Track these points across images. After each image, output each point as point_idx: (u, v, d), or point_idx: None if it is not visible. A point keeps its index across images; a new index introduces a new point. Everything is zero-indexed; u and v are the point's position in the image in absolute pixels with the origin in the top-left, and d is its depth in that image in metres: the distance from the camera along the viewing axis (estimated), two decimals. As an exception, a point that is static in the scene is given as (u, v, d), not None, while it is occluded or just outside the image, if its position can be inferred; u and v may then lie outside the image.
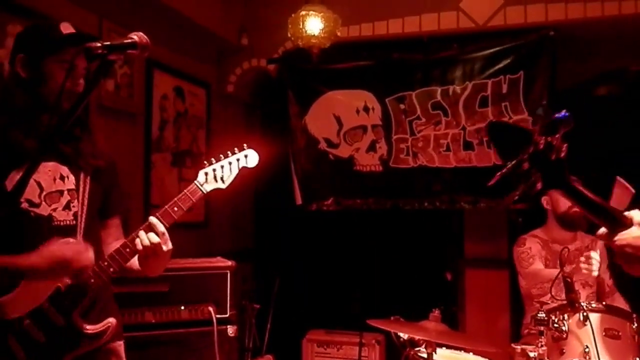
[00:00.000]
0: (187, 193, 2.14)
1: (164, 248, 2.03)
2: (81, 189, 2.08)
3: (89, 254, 1.94)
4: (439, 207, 4.68)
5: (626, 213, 1.54)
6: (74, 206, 2.06)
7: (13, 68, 2.02)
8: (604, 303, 2.91)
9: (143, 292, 3.31)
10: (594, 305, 2.83)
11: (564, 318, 2.79)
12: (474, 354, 3.09)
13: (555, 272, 3.07)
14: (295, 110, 5.04)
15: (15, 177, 1.93)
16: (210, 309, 3.51)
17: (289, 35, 4.21)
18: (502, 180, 1.58)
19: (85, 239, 2.04)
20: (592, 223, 3.63)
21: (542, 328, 2.78)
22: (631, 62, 4.77)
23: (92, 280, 1.99)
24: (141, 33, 1.71)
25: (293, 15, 4.13)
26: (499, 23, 4.44)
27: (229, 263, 3.66)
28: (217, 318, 3.49)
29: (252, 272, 5.26)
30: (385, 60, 4.79)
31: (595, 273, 3.11)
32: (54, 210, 2.01)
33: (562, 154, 1.50)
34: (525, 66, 4.42)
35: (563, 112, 1.47)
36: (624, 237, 1.50)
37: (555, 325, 2.78)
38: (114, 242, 2.22)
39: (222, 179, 2.19)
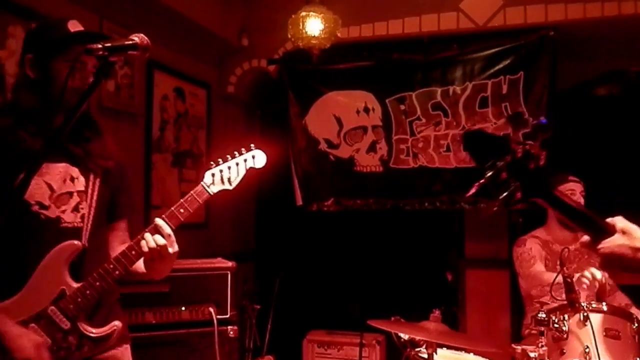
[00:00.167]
0: (194, 194, 2.11)
1: (170, 250, 2.00)
2: (90, 191, 2.07)
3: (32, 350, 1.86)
4: (439, 207, 4.69)
5: (609, 220, 1.50)
6: (82, 208, 2.04)
7: (22, 69, 2.01)
8: (604, 303, 2.90)
9: (143, 292, 3.31)
10: (594, 305, 2.82)
11: (564, 318, 2.79)
12: (475, 354, 3.09)
13: (550, 276, 3.06)
14: (295, 111, 5.04)
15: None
16: (211, 309, 3.51)
17: (289, 36, 4.21)
18: (480, 190, 1.56)
19: (90, 242, 2.02)
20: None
21: (542, 328, 2.78)
22: (631, 63, 4.78)
23: (98, 283, 1.97)
24: (142, 34, 1.72)
25: (293, 16, 4.14)
26: (498, 23, 4.45)
27: (230, 264, 3.66)
28: (217, 319, 3.50)
29: (253, 272, 5.26)
30: (386, 61, 4.79)
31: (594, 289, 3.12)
32: (63, 212, 1.99)
33: (542, 162, 1.48)
34: (525, 67, 4.43)
35: (541, 119, 1.46)
36: (607, 245, 1.46)
37: (556, 325, 2.78)
38: (120, 246, 2.20)
39: (229, 180, 2.16)
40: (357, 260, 5.13)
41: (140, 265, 2.09)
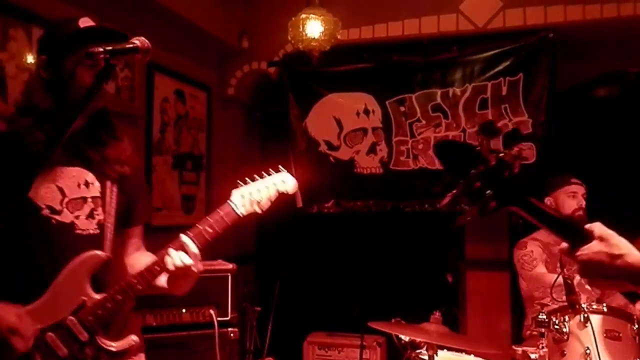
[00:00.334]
0: (222, 214, 2.03)
1: (194, 270, 1.96)
2: (107, 197, 2.02)
3: (22, 337, 1.81)
4: (440, 209, 4.69)
5: (587, 226, 1.46)
6: (97, 214, 2.00)
7: (37, 70, 1.98)
8: (604, 304, 2.91)
9: (144, 295, 3.31)
10: (594, 306, 2.83)
11: (564, 319, 2.79)
12: (475, 356, 3.09)
13: (552, 278, 3.06)
14: (295, 113, 5.05)
15: (39, 181, 1.90)
16: (212, 311, 3.52)
17: (289, 38, 4.22)
18: (454, 201, 1.54)
19: (112, 251, 1.99)
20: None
21: (543, 330, 2.78)
22: (630, 64, 4.78)
23: (119, 297, 1.93)
24: (143, 38, 1.71)
25: (293, 18, 4.14)
26: (498, 25, 4.45)
27: (230, 266, 3.66)
28: (218, 321, 3.50)
29: (254, 274, 5.26)
30: (385, 63, 4.80)
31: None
32: (77, 217, 1.95)
33: (516, 170, 1.44)
34: (525, 68, 4.43)
35: (512, 129, 1.44)
36: (585, 252, 1.42)
37: (556, 326, 2.78)
38: (135, 253, 2.18)
39: (258, 203, 2.07)
40: (357, 262, 5.13)
41: (161, 279, 2.03)
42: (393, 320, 3.08)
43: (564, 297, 2.90)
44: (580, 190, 3.70)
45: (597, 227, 1.45)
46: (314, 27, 4.09)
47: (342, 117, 4.94)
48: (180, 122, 4.64)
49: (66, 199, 1.95)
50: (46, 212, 1.92)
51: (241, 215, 2.05)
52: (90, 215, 1.99)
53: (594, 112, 4.91)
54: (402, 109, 4.75)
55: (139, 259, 2.16)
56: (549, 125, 4.40)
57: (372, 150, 4.87)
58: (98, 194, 2.01)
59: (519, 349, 2.93)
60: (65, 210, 1.94)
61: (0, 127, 2.01)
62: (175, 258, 1.93)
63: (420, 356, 2.97)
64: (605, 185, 3.96)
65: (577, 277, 3.00)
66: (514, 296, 4.49)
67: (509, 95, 4.48)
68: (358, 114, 4.88)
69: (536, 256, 3.61)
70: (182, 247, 1.96)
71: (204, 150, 4.95)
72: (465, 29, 4.53)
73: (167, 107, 4.47)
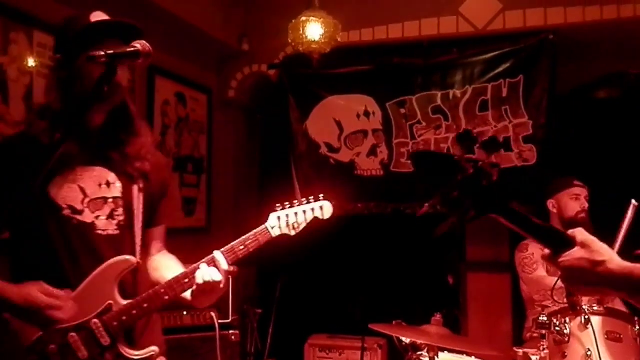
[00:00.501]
0: (257, 234, 2.08)
1: (222, 286, 1.97)
2: (128, 198, 2.02)
3: (62, 313, 1.82)
4: (440, 210, 4.68)
5: (570, 232, 1.45)
6: (117, 215, 1.99)
7: (53, 70, 1.97)
8: (605, 306, 2.91)
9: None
10: (595, 308, 2.83)
11: (565, 321, 2.80)
12: (476, 357, 3.09)
13: (552, 281, 3.05)
14: (296, 115, 5.05)
15: (60, 182, 1.91)
16: (213, 314, 3.52)
17: (290, 40, 4.22)
18: (431, 210, 1.54)
19: (131, 252, 1.99)
20: (597, 229, 3.64)
21: (544, 331, 2.79)
22: (630, 66, 4.78)
23: (146, 305, 1.93)
24: (144, 41, 1.72)
25: (293, 20, 4.14)
26: (498, 27, 4.46)
27: (231, 268, 3.66)
28: (219, 323, 3.50)
29: (254, 277, 5.26)
30: (386, 65, 4.80)
31: None
32: (97, 218, 1.95)
33: (494, 178, 1.43)
34: (525, 70, 4.44)
35: (491, 136, 1.43)
36: (567, 258, 1.41)
37: (557, 328, 2.78)
38: (156, 254, 2.18)
39: (293, 226, 2.13)
40: (358, 264, 5.13)
41: (186, 292, 2.03)
42: (394, 323, 3.07)
43: (565, 299, 2.90)
44: (583, 192, 3.71)
45: (579, 234, 1.43)
46: (314, 30, 4.09)
47: (342, 119, 4.94)
48: (181, 125, 4.64)
49: (87, 199, 1.95)
50: (67, 212, 1.92)
51: (274, 236, 2.11)
52: (111, 216, 1.98)
53: (595, 114, 4.91)
54: (403, 111, 4.75)
55: (162, 261, 2.17)
56: (550, 127, 4.40)
57: (372, 152, 4.87)
58: (119, 194, 2.01)
59: (520, 351, 2.93)
60: (86, 210, 1.94)
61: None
62: (206, 273, 1.94)
63: (421, 358, 2.98)
64: (606, 187, 3.95)
65: None
66: (515, 298, 4.49)
67: (510, 97, 4.48)
68: (358, 116, 4.88)
69: (537, 259, 3.61)
70: (214, 263, 1.98)
71: (204, 153, 4.96)
72: (466, 31, 4.53)
73: (167, 109, 4.48)
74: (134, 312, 1.92)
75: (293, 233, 2.14)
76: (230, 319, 3.61)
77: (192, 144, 4.81)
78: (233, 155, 5.28)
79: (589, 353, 2.67)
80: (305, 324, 5.06)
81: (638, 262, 1.41)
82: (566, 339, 2.76)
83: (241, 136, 5.43)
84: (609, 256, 1.39)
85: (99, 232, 1.95)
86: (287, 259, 5.22)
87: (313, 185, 4.98)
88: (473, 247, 5.01)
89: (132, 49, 1.68)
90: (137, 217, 2.02)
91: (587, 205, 3.67)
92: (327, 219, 2.21)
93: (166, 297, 1.95)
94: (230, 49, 4.98)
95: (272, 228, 2.10)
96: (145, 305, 1.93)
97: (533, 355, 2.84)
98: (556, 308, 2.98)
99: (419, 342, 2.97)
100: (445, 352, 3.06)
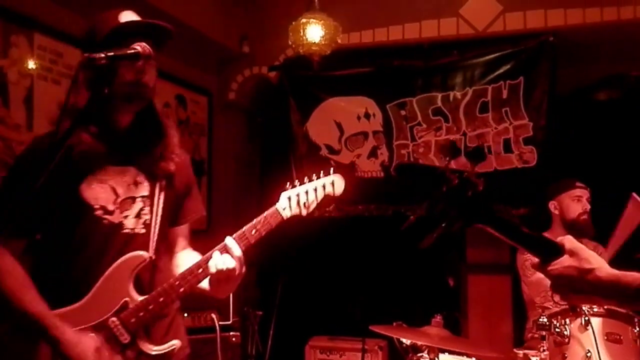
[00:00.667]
0: (267, 217, 2.04)
1: (237, 273, 1.94)
2: (155, 197, 2.02)
3: None
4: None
5: (559, 239, 1.43)
6: (144, 214, 1.99)
7: (80, 69, 1.90)
8: (605, 307, 2.91)
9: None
10: (595, 309, 2.83)
11: (565, 323, 2.80)
12: (477, 359, 3.09)
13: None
14: (296, 117, 5.06)
15: (92, 182, 1.91)
16: (213, 316, 3.53)
17: (290, 42, 4.23)
18: (417, 223, 1.53)
19: (157, 251, 1.98)
20: (598, 230, 3.64)
21: (544, 333, 2.79)
22: (631, 67, 4.79)
23: (162, 299, 1.92)
24: (144, 43, 1.72)
25: (294, 23, 4.15)
26: (498, 29, 4.46)
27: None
28: (220, 325, 3.51)
29: (255, 278, 5.26)
30: (386, 67, 4.81)
31: None
32: (125, 217, 1.95)
33: (480, 188, 1.42)
34: (525, 71, 4.44)
35: (474, 146, 1.42)
36: (556, 267, 1.39)
37: (557, 330, 2.78)
38: (181, 252, 2.17)
39: (304, 204, 2.08)
40: (358, 266, 5.13)
41: (204, 283, 2.01)
42: (394, 324, 3.07)
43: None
44: (585, 194, 3.71)
45: (568, 241, 1.42)
46: (314, 32, 4.10)
47: (342, 121, 4.95)
48: (182, 127, 4.65)
49: (119, 199, 1.95)
50: (99, 212, 1.91)
51: (285, 217, 2.06)
52: (138, 215, 1.98)
53: (595, 116, 4.91)
54: (403, 112, 4.76)
55: (186, 258, 2.15)
56: (550, 129, 4.40)
57: (373, 154, 4.87)
58: (147, 193, 2.00)
59: (520, 352, 2.94)
60: (117, 210, 1.94)
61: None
62: (219, 261, 1.92)
63: (421, 359, 2.98)
64: (606, 189, 3.96)
65: None
66: (515, 299, 4.49)
67: (510, 99, 4.48)
68: (359, 118, 4.89)
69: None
70: (226, 250, 1.95)
71: (205, 155, 4.97)
72: (466, 32, 4.54)
73: (168, 112, 4.48)
74: (151, 307, 1.91)
75: (305, 213, 2.09)
76: (230, 321, 3.61)
77: (193, 146, 4.81)
78: (233, 158, 5.28)
79: (588, 354, 2.67)
80: (305, 326, 5.06)
81: (637, 266, 1.40)
82: (566, 340, 2.76)
83: (241, 138, 5.43)
84: (598, 264, 1.38)
85: (127, 231, 1.95)
86: (287, 261, 5.24)
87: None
88: (473, 249, 5.01)
89: (132, 51, 1.68)
90: (158, 216, 2.02)
91: (589, 206, 3.68)
92: (339, 194, 2.17)
93: (181, 289, 1.93)
94: (230, 51, 4.99)
95: (283, 209, 2.06)
96: (162, 299, 1.92)
97: (533, 356, 2.85)
98: (556, 309, 2.98)
99: (419, 343, 2.98)
100: (446, 353, 3.06)
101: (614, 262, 1.43)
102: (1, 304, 1.85)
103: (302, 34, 4.10)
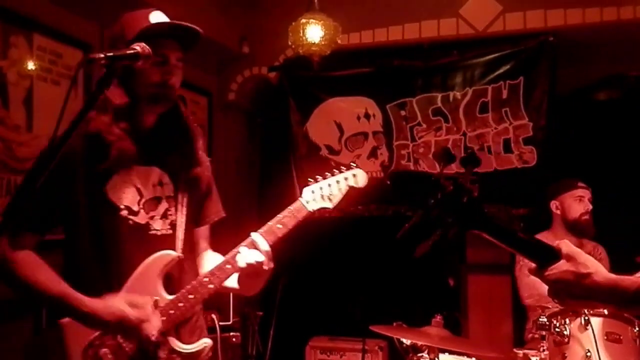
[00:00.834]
0: (292, 210, 2.06)
1: (266, 267, 1.95)
2: (180, 197, 2.02)
3: (153, 325, 1.82)
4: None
5: (556, 243, 1.43)
6: (170, 214, 1.99)
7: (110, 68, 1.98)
8: (601, 309, 2.91)
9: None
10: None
11: (565, 322, 2.80)
12: (477, 359, 3.09)
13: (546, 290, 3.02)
14: (296, 118, 5.06)
15: (117, 181, 1.91)
16: (213, 316, 3.52)
17: (290, 43, 4.23)
18: (411, 230, 1.53)
19: (183, 251, 1.98)
20: (598, 230, 3.64)
21: (544, 332, 2.79)
22: (630, 67, 4.79)
23: (192, 297, 1.92)
24: (143, 43, 1.72)
25: (293, 23, 4.15)
26: (498, 29, 4.46)
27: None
28: (220, 325, 3.50)
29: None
30: (386, 67, 4.81)
31: None
32: (151, 218, 1.95)
33: (475, 194, 1.43)
34: (525, 71, 4.44)
35: (469, 152, 1.41)
36: (553, 272, 1.39)
37: (557, 329, 2.79)
38: (202, 253, 2.18)
39: (329, 197, 2.11)
40: (359, 267, 5.13)
41: (232, 280, 2.02)
42: (395, 324, 3.08)
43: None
44: (586, 194, 3.71)
45: (565, 246, 1.41)
46: (314, 32, 4.10)
47: (342, 122, 4.95)
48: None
49: (143, 200, 1.95)
50: (124, 212, 1.91)
51: (312, 210, 2.08)
52: (164, 216, 1.98)
53: (595, 116, 4.92)
54: (403, 113, 4.76)
55: (209, 258, 2.17)
56: (550, 129, 4.40)
57: (372, 154, 4.87)
58: (172, 194, 2.01)
59: (520, 352, 2.94)
60: (141, 211, 1.94)
61: None
62: (247, 255, 1.92)
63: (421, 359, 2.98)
64: (606, 188, 3.96)
65: None
66: (516, 299, 4.48)
67: (510, 99, 4.48)
68: (359, 118, 4.89)
69: None
70: (254, 245, 1.96)
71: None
72: (466, 32, 4.54)
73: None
74: (181, 304, 1.91)
75: (330, 205, 2.11)
76: (231, 321, 3.61)
77: (193, 146, 4.80)
78: (233, 158, 5.28)
79: (588, 354, 2.67)
80: (306, 326, 5.06)
81: (637, 269, 1.40)
82: (566, 340, 2.77)
83: (241, 139, 5.43)
84: (595, 268, 1.38)
85: (153, 232, 1.95)
86: (287, 261, 5.23)
87: (313, 187, 4.98)
88: (473, 249, 5.00)
89: (132, 51, 1.68)
90: (183, 216, 2.02)
91: (590, 206, 3.68)
92: (360, 186, 2.19)
93: (211, 286, 1.94)
94: (230, 51, 4.99)
95: (307, 202, 2.08)
96: (192, 296, 1.92)
97: (533, 356, 2.85)
98: (556, 309, 2.98)
99: (419, 343, 2.98)
100: (446, 353, 3.06)
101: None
102: (26, 293, 1.87)
103: (301, 34, 4.10)
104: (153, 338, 1.81)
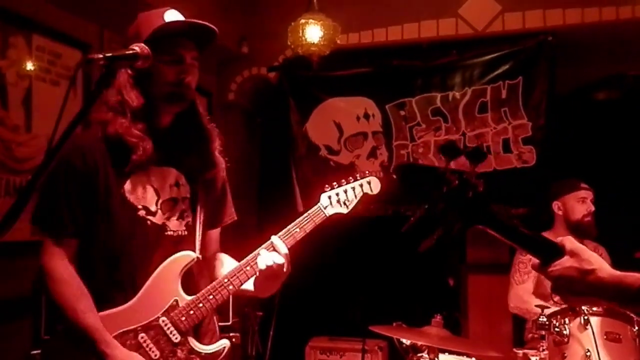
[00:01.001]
0: (311, 215, 2.10)
1: (284, 270, 1.98)
2: (196, 199, 2.03)
3: None
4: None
5: (559, 239, 1.42)
6: (187, 216, 2.00)
7: (127, 68, 1.92)
8: (604, 306, 2.91)
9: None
10: (594, 308, 2.83)
11: (565, 322, 2.80)
12: (477, 359, 3.09)
13: (537, 312, 2.96)
14: (295, 118, 5.05)
15: (135, 182, 1.91)
16: (213, 316, 3.51)
17: (289, 43, 4.23)
18: (417, 224, 1.53)
19: (200, 251, 2.00)
20: (600, 232, 3.64)
21: (543, 332, 2.79)
22: (629, 67, 4.79)
23: (212, 297, 1.93)
24: (142, 44, 1.72)
25: (293, 23, 4.15)
26: (497, 29, 4.47)
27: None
28: (219, 326, 3.49)
29: (255, 279, 5.25)
30: (385, 67, 4.81)
31: None
32: (168, 219, 1.96)
33: (480, 189, 1.42)
34: (524, 71, 4.44)
35: (474, 147, 1.40)
36: (556, 268, 1.38)
37: (557, 329, 2.79)
38: (214, 254, 2.19)
39: (345, 203, 2.17)
40: (358, 266, 5.13)
41: (248, 282, 2.03)
42: (394, 324, 3.08)
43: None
44: (589, 195, 3.70)
45: (569, 242, 1.41)
46: (313, 32, 4.10)
47: (342, 122, 4.94)
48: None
49: (160, 200, 1.95)
50: (142, 213, 1.92)
51: (328, 215, 2.14)
52: (181, 217, 1.99)
53: (594, 115, 4.91)
54: (402, 113, 4.76)
55: (223, 260, 2.19)
56: (549, 129, 4.40)
57: (372, 154, 4.87)
58: (188, 195, 2.02)
59: (520, 352, 2.94)
60: (159, 212, 1.94)
61: None
62: (267, 258, 1.95)
63: (421, 360, 2.98)
64: (605, 188, 3.96)
65: None
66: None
67: (509, 99, 4.49)
68: (358, 118, 4.89)
69: (531, 269, 3.60)
70: (273, 248, 1.99)
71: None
72: (465, 32, 4.54)
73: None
74: (201, 305, 1.92)
75: (346, 211, 2.18)
76: (230, 322, 3.60)
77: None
78: (233, 158, 5.25)
79: (588, 353, 2.67)
80: (305, 327, 5.06)
81: (637, 267, 1.39)
82: (565, 340, 2.76)
83: (241, 139, 5.43)
84: (599, 265, 1.37)
85: (170, 233, 1.96)
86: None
87: (313, 187, 4.98)
88: (473, 249, 5.01)
89: (131, 52, 1.68)
90: (199, 218, 2.04)
91: (593, 208, 3.67)
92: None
93: (230, 287, 1.96)
94: (229, 52, 4.99)
95: (325, 207, 2.13)
96: (211, 297, 1.94)
97: (533, 356, 2.85)
98: (556, 308, 2.98)
99: (419, 343, 2.98)
100: (446, 353, 3.06)
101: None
102: (56, 309, 1.86)
103: (301, 34, 4.11)
104: None
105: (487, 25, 4.48)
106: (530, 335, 3.61)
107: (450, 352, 3.07)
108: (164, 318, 1.89)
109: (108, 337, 1.80)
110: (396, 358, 4.03)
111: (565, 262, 1.38)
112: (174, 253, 1.94)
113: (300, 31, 4.11)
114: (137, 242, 1.90)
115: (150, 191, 1.94)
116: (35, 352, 2.81)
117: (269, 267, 1.94)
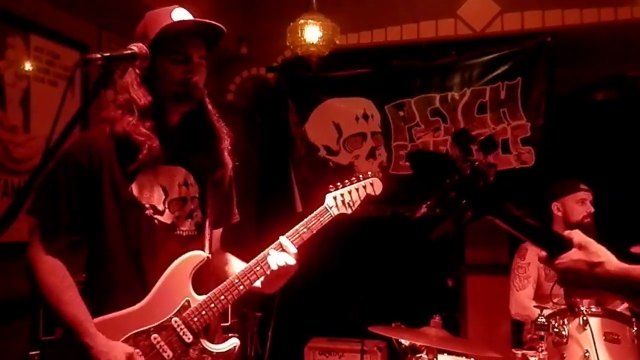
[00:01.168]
0: (318, 216, 2.11)
1: (294, 269, 2.01)
2: (205, 199, 2.04)
3: None
4: (439, 213, 4.67)
5: (566, 233, 1.42)
6: (196, 215, 2.00)
7: (134, 66, 1.91)
8: (603, 307, 2.91)
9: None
10: (593, 309, 2.83)
11: (564, 323, 2.80)
12: None
13: (536, 313, 2.96)
14: (295, 118, 5.05)
15: (143, 180, 1.91)
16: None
17: (288, 43, 4.23)
18: (427, 213, 1.53)
19: (209, 251, 2.00)
20: (599, 233, 3.64)
21: (542, 333, 2.79)
22: (628, 68, 4.79)
23: (223, 298, 1.93)
24: (140, 44, 1.72)
25: (292, 24, 4.15)
26: (496, 30, 4.47)
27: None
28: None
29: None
30: (384, 68, 4.81)
31: None
32: (177, 218, 1.96)
33: (491, 179, 1.42)
34: (523, 72, 4.44)
35: (487, 136, 1.40)
36: (563, 260, 1.37)
37: (556, 330, 2.79)
38: (217, 254, 2.18)
39: (349, 204, 2.18)
40: (357, 267, 5.13)
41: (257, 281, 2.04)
42: (393, 325, 3.07)
43: (563, 300, 2.90)
44: (588, 196, 3.70)
45: (576, 235, 1.41)
46: (312, 33, 4.10)
47: (341, 122, 4.94)
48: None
49: (168, 199, 1.95)
50: (150, 212, 1.91)
51: (334, 215, 2.15)
52: (190, 216, 1.99)
53: (593, 116, 4.91)
54: (401, 113, 4.76)
55: (228, 260, 2.20)
56: (548, 129, 4.40)
57: (371, 154, 4.87)
58: (197, 195, 2.02)
59: (519, 353, 2.94)
60: (167, 211, 1.94)
61: None
62: (279, 258, 1.97)
63: (420, 360, 2.98)
64: (605, 189, 3.96)
65: None
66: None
67: (508, 99, 4.48)
68: (357, 118, 4.89)
69: (530, 273, 3.60)
70: (282, 248, 2.00)
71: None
72: (464, 33, 4.54)
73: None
74: (213, 305, 1.92)
75: (350, 211, 2.18)
76: (229, 322, 3.59)
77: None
78: (232, 158, 5.27)
79: (587, 354, 2.67)
80: (305, 327, 5.06)
81: (634, 261, 1.39)
82: (564, 340, 2.76)
83: (240, 140, 5.36)
84: (607, 257, 1.37)
85: (179, 232, 1.96)
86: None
87: (312, 188, 4.98)
88: (472, 250, 5.01)
89: (129, 52, 1.68)
90: (208, 217, 2.04)
91: (592, 209, 3.67)
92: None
93: (241, 287, 1.96)
94: (228, 52, 4.98)
95: (331, 208, 2.14)
96: (223, 297, 1.94)
97: (531, 356, 2.85)
98: (555, 309, 2.98)
99: (418, 344, 2.97)
100: (445, 354, 3.06)
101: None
102: (41, 301, 1.86)
103: (300, 35, 4.11)
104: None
105: (486, 25, 4.48)
106: (529, 335, 3.60)
107: (449, 353, 3.07)
108: (176, 318, 1.89)
109: (92, 329, 1.79)
110: (395, 359, 4.02)
111: (573, 254, 1.38)
112: (182, 253, 1.93)
113: (299, 32, 4.11)
114: (144, 240, 1.89)
115: (158, 190, 1.93)
116: (33, 352, 2.82)
117: (280, 267, 1.96)
